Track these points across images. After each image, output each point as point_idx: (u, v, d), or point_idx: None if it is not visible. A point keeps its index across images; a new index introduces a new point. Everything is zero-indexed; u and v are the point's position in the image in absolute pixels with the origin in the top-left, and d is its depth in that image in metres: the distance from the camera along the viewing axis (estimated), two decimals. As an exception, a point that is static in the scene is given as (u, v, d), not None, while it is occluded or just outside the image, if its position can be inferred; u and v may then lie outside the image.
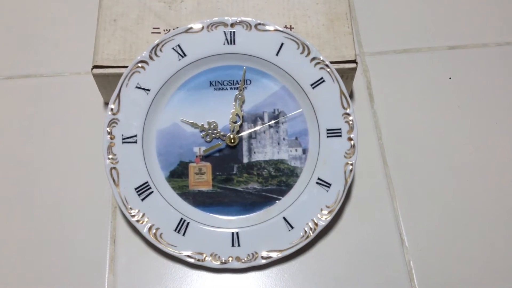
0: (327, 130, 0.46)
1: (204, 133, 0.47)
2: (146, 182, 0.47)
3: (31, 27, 0.59)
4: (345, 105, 0.48)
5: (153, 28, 0.52)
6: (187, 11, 0.53)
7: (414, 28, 0.61)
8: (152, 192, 0.47)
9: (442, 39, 0.59)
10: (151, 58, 0.47)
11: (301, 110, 0.48)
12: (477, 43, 0.59)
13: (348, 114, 0.48)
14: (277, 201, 0.48)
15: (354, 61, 0.50)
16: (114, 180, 0.47)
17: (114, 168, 0.47)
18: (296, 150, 0.49)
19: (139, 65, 0.47)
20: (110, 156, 0.47)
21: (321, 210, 0.47)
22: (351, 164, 0.48)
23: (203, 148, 0.49)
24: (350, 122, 0.48)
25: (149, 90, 0.46)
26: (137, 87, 0.46)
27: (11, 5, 0.60)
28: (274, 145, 0.49)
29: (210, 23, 0.50)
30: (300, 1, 0.54)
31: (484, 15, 0.61)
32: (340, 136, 0.47)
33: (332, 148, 0.46)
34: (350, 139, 0.48)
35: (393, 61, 0.58)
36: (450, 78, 0.57)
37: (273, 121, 0.48)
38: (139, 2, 0.54)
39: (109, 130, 0.48)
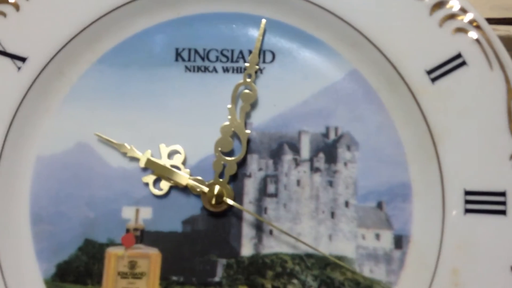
0: (467, 192, 0.22)
1: (152, 174, 0.24)
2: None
3: None
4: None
5: None
6: None
7: None
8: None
9: None
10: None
11: (396, 132, 0.24)
12: None
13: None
14: None
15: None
16: None
17: None
18: (377, 237, 0.24)
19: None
20: None
21: None
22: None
23: (146, 209, 0.24)
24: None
25: (24, 59, 0.25)
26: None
27: None
28: (322, 219, 0.24)
29: None
30: None
31: None
32: (504, 213, 0.22)
33: (481, 244, 0.22)
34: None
35: None
36: None
37: (320, 158, 0.25)
38: None
39: None
